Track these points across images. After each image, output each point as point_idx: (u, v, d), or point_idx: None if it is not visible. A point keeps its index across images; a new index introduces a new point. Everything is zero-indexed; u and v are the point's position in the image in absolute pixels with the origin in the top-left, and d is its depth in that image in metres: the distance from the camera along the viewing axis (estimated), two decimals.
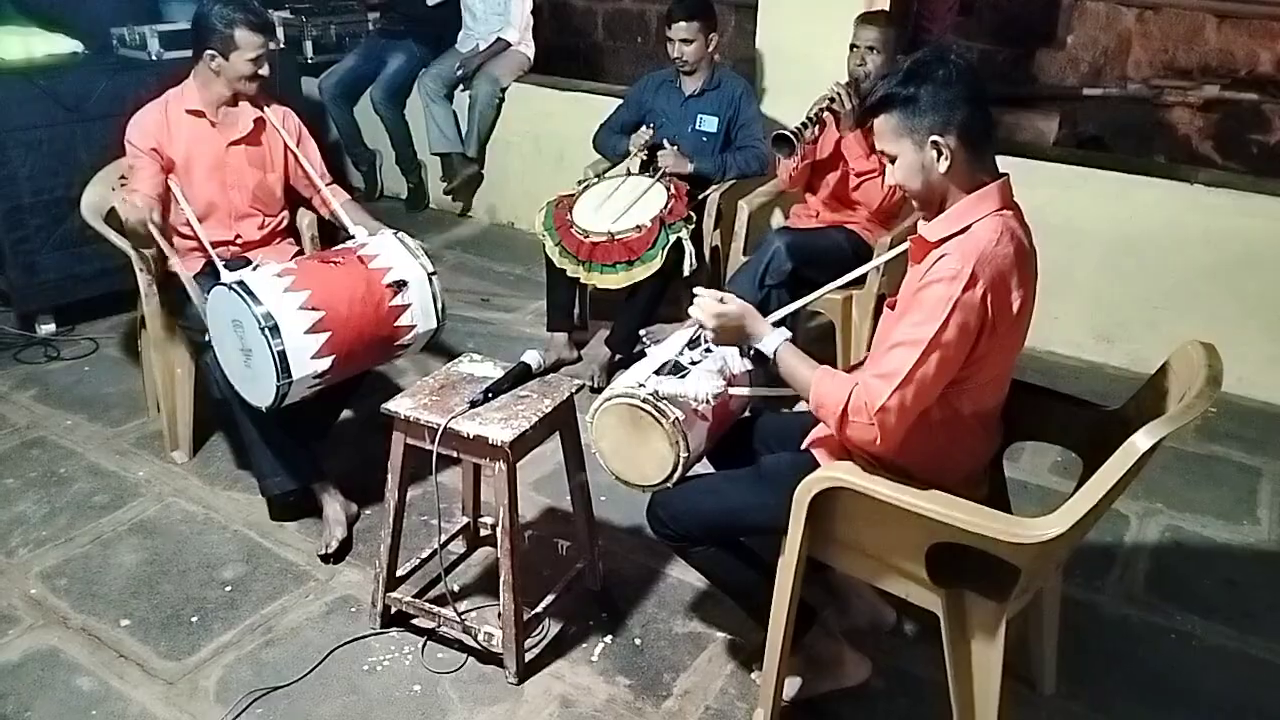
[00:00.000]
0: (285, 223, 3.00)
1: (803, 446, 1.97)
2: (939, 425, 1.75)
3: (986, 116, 1.69)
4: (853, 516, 1.81)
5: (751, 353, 1.91)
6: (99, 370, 3.56)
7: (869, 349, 3.20)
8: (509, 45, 4.96)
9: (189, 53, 2.76)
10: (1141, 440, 1.55)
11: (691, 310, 1.88)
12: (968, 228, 1.68)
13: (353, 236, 2.70)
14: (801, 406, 2.31)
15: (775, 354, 1.82)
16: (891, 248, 3.06)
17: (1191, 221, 3.48)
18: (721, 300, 1.85)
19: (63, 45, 3.89)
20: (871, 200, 3.24)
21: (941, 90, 1.65)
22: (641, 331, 3.56)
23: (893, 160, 1.74)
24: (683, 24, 3.60)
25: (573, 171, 4.04)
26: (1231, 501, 2.92)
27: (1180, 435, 1.57)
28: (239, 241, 2.86)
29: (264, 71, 2.74)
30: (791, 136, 3.05)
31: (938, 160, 1.68)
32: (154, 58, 3.85)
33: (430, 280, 2.54)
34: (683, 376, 1.99)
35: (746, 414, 2.22)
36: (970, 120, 1.66)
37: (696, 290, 1.88)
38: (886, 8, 3.79)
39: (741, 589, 2.11)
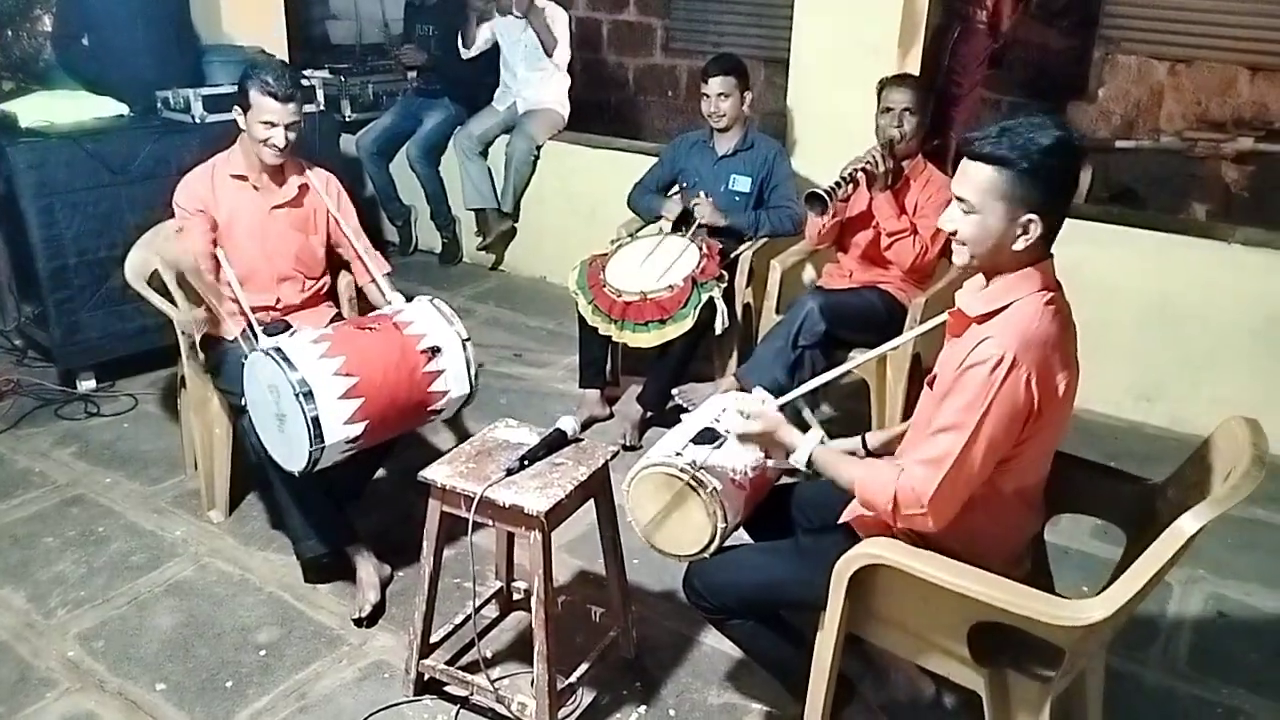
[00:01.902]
0: (326, 287, 3.04)
1: (842, 520, 1.96)
2: (980, 503, 1.73)
3: (1067, 208, 1.68)
4: (893, 593, 1.79)
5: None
6: (138, 427, 3.61)
7: (903, 409, 3.22)
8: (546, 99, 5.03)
9: (231, 115, 2.82)
10: (1188, 524, 1.53)
11: (722, 421, 1.89)
12: (1007, 306, 1.68)
13: (389, 303, 2.73)
14: None
15: (811, 461, 1.81)
16: (926, 307, 3.09)
17: (1230, 281, 3.45)
18: (747, 415, 1.84)
19: (109, 108, 3.99)
20: (904, 260, 3.24)
21: (1060, 175, 1.62)
22: (674, 390, 3.57)
23: (966, 209, 1.67)
24: (718, 79, 3.64)
25: (604, 226, 4.08)
26: (1277, 568, 2.85)
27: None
28: (280, 305, 2.90)
29: (276, 139, 2.73)
30: (824, 195, 3.07)
31: (1020, 236, 1.65)
32: (197, 120, 3.94)
33: (464, 346, 2.56)
34: (720, 445, 1.99)
35: (783, 481, 2.21)
36: (1064, 212, 1.66)
37: (725, 405, 1.89)
38: (917, 71, 3.81)
39: (778, 662, 2.09)
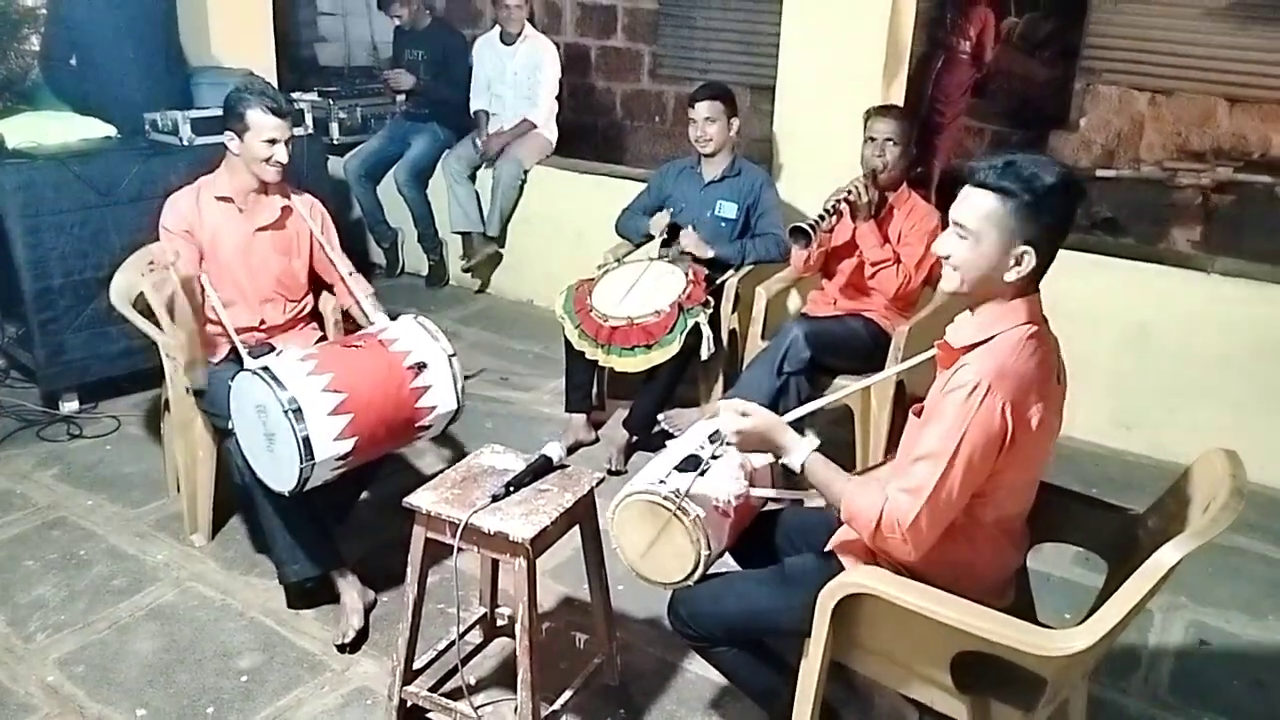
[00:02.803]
0: (309, 308, 3.04)
1: (827, 548, 1.97)
2: (961, 533, 1.75)
3: (1058, 248, 1.70)
4: (877, 622, 1.79)
5: (780, 464, 1.90)
6: (120, 449, 3.59)
7: (888, 437, 3.24)
8: (534, 127, 5.07)
9: (220, 138, 2.82)
10: (1168, 555, 1.55)
11: (715, 422, 1.89)
12: (992, 337, 1.70)
13: (373, 324, 2.74)
14: (821, 502, 2.32)
15: (804, 466, 1.81)
16: (910, 335, 3.12)
17: (1209, 310, 3.49)
18: (744, 413, 1.84)
19: (96, 130, 4.00)
20: (888, 289, 3.27)
21: (1059, 213, 1.65)
22: (659, 415, 3.58)
23: (962, 235, 1.68)
24: (705, 104, 3.68)
25: (590, 251, 4.10)
26: (1257, 596, 2.88)
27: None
28: (264, 326, 2.90)
29: (279, 156, 2.76)
30: (808, 230, 3.09)
31: (1012, 267, 1.67)
32: (185, 143, 3.94)
33: (450, 362, 2.57)
34: (704, 473, 2.00)
35: (768, 508, 2.22)
36: (1057, 248, 1.68)
37: (720, 402, 1.89)
38: (901, 101, 3.86)
39: (763, 690, 2.09)
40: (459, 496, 2.15)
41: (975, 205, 1.68)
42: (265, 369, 2.32)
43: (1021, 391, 1.66)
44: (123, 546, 2.99)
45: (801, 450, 1.81)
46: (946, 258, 1.73)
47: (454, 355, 2.58)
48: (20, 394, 3.88)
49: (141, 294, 2.96)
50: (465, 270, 5.34)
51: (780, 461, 1.86)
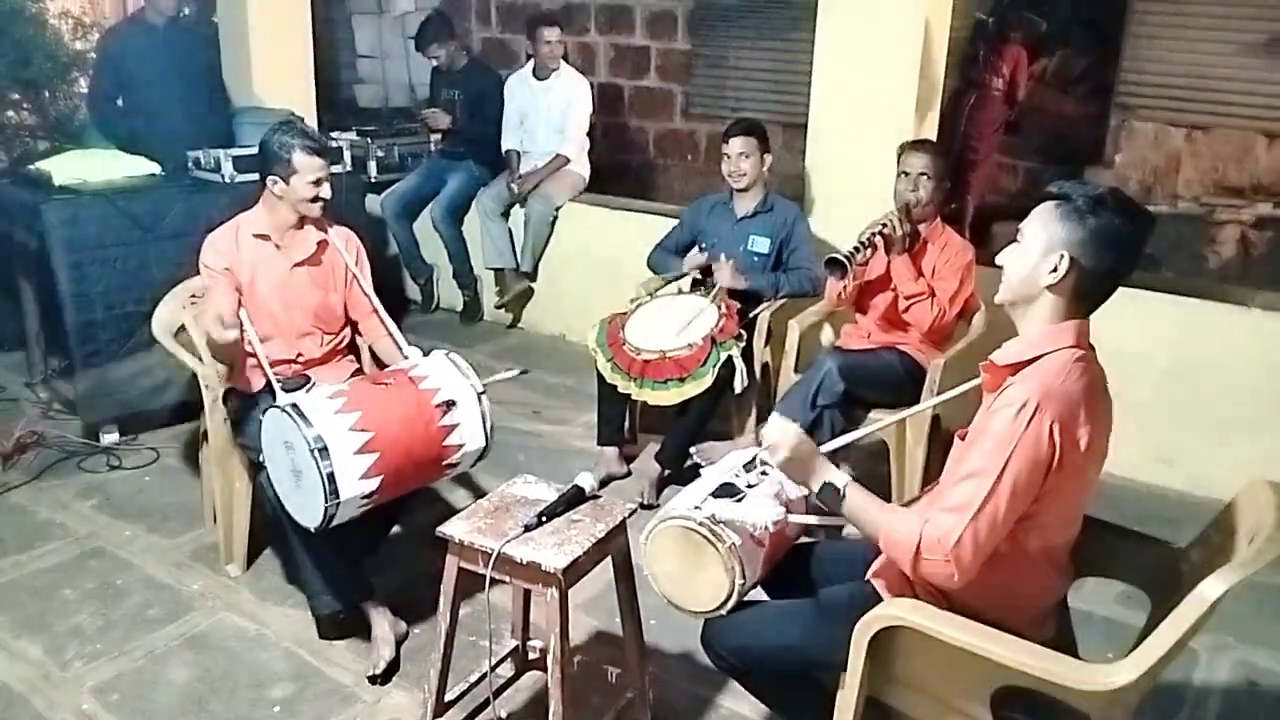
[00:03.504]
0: (346, 341, 3.07)
1: (866, 577, 1.94)
2: (1005, 562, 1.72)
3: (1114, 280, 1.69)
4: (915, 655, 1.76)
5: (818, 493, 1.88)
6: (159, 480, 3.63)
7: (924, 470, 3.21)
8: (567, 161, 5.13)
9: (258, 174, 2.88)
10: (1212, 588, 1.51)
11: (764, 432, 1.87)
12: (1039, 358, 1.69)
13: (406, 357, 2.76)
14: (853, 532, 2.29)
15: (844, 491, 1.79)
16: (945, 369, 3.10)
17: (1250, 345, 3.44)
18: (799, 436, 1.82)
19: (141, 167, 4.09)
20: (922, 322, 3.25)
21: (1106, 226, 1.65)
22: (692, 448, 3.57)
23: (1018, 240, 1.73)
24: (739, 140, 3.70)
25: (623, 286, 4.11)
26: None
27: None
28: (301, 359, 2.93)
29: (324, 193, 2.83)
30: (844, 260, 3.09)
31: (1050, 272, 1.67)
32: (227, 180, 4.02)
33: (479, 400, 2.57)
34: (739, 500, 1.98)
35: (802, 539, 2.20)
36: (1103, 267, 1.66)
37: (774, 417, 1.88)
38: (934, 135, 3.86)
39: (799, 717, 2.06)
40: (492, 526, 2.15)
41: (1034, 213, 1.72)
42: (294, 405, 2.34)
43: (1070, 413, 1.63)
44: (159, 576, 3.02)
45: (840, 478, 1.80)
46: (1002, 268, 1.76)
47: (483, 393, 2.59)
48: (61, 425, 3.94)
49: (183, 326, 3.01)
50: (498, 306, 5.38)
51: (818, 491, 1.84)
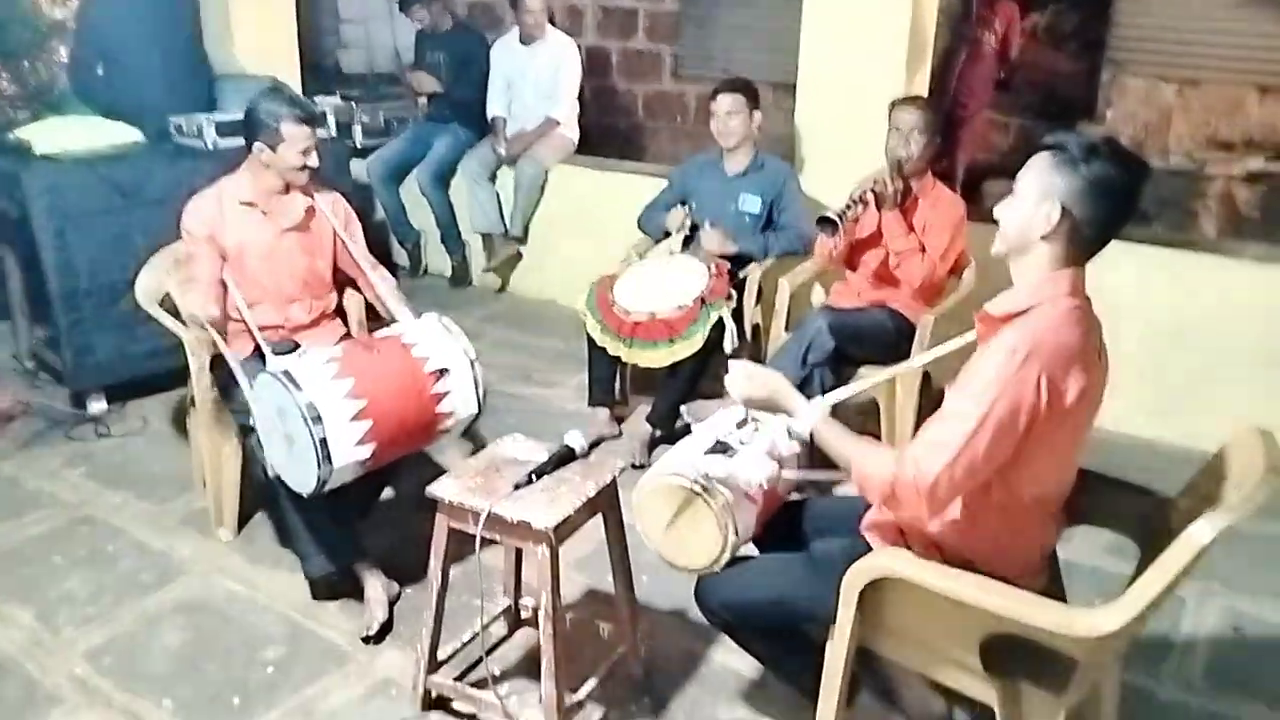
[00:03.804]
0: (333, 305, 3.05)
1: (859, 530, 1.94)
2: (999, 511, 1.72)
3: (1109, 229, 1.67)
4: (904, 605, 1.77)
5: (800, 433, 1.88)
6: (148, 448, 3.62)
7: (915, 428, 3.21)
8: (557, 125, 5.08)
9: (243, 141, 2.84)
10: (1202, 532, 1.51)
11: (725, 380, 1.87)
12: (1033, 308, 1.68)
13: (397, 320, 2.74)
14: (851, 489, 2.29)
15: (814, 430, 1.78)
16: (935, 325, 3.09)
17: (1242, 297, 3.44)
18: (750, 375, 1.83)
19: (122, 134, 4.03)
20: (913, 278, 3.24)
21: (1100, 176, 1.63)
22: (682, 408, 3.56)
23: (1013, 194, 1.72)
24: (727, 97, 3.67)
25: (613, 249, 4.09)
26: None
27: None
28: (288, 325, 2.91)
29: (313, 162, 2.81)
30: (836, 219, 3.07)
31: (1044, 221, 1.66)
32: (210, 146, 3.98)
33: (472, 366, 2.57)
34: (732, 457, 1.98)
35: (794, 497, 2.20)
36: (1098, 216, 1.65)
37: (730, 363, 1.88)
38: (925, 92, 3.83)
39: (791, 670, 2.07)
40: (482, 486, 2.15)
41: (1030, 163, 1.70)
42: (285, 372, 2.33)
43: (1061, 364, 1.62)
44: (150, 542, 3.01)
45: (810, 413, 1.79)
46: (998, 224, 1.75)
47: (476, 359, 2.58)
48: (49, 395, 3.92)
49: (168, 293, 2.99)
50: (486, 271, 5.35)
51: (790, 426, 1.84)
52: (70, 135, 3.91)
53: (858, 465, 1.71)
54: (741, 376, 1.84)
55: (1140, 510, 1.94)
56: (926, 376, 3.30)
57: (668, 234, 3.81)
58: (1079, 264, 1.71)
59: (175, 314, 2.92)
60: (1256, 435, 1.72)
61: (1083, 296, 1.72)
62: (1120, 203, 1.66)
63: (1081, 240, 1.68)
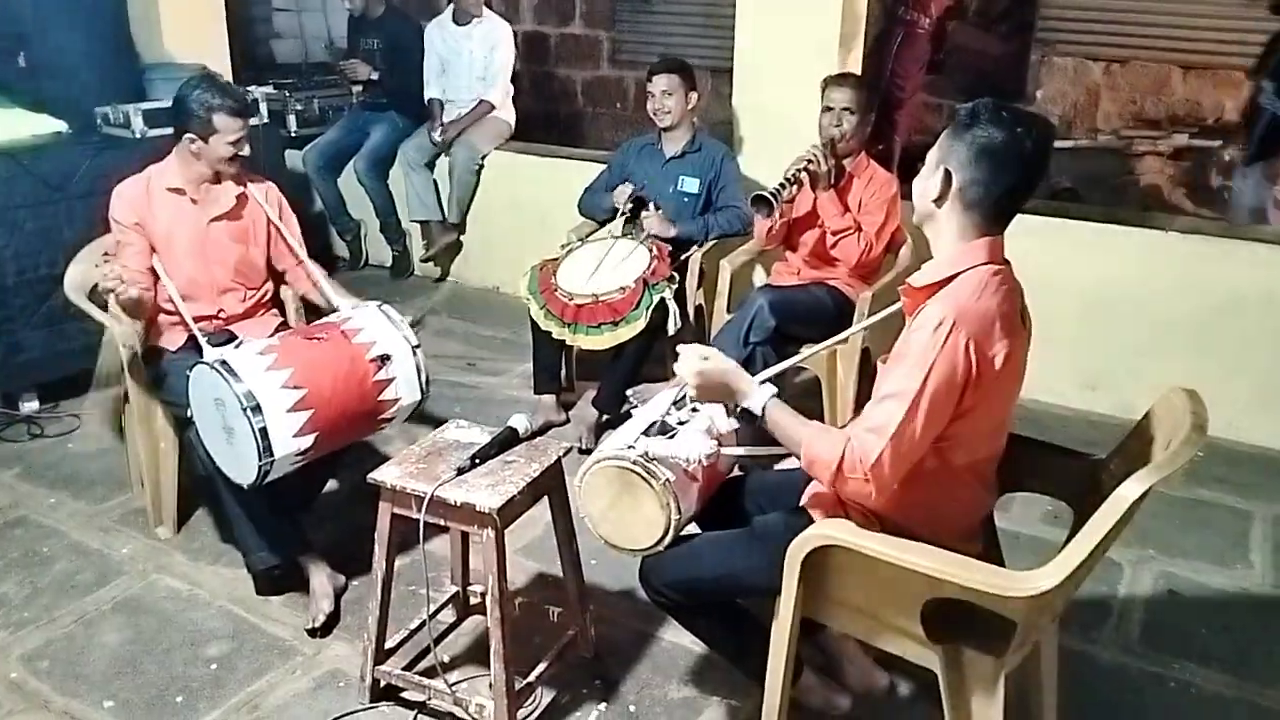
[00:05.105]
0: (269, 295, 3.00)
1: (800, 504, 1.96)
2: (932, 478, 1.75)
3: (998, 190, 1.68)
4: (847, 574, 1.79)
5: (739, 410, 1.90)
6: (82, 447, 3.53)
7: (855, 403, 3.25)
8: (491, 108, 5.04)
9: (172, 130, 2.78)
10: (1130, 489, 1.55)
11: (675, 367, 1.87)
12: (953, 278, 1.70)
13: (336, 309, 2.71)
14: (790, 464, 2.31)
15: (764, 411, 1.80)
16: (873, 301, 3.13)
17: (1168, 269, 3.53)
18: (705, 358, 1.83)
19: (46, 125, 3.91)
20: (850, 257, 3.27)
21: (984, 139, 1.66)
22: (628, 391, 3.57)
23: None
24: (662, 77, 3.68)
25: (555, 236, 4.07)
26: (1224, 546, 2.91)
27: (1170, 480, 1.57)
28: (222, 315, 2.86)
29: (244, 152, 2.76)
30: (770, 197, 3.09)
31: (935, 186, 1.71)
32: (138, 135, 3.89)
33: (414, 353, 2.54)
34: (671, 437, 1.98)
35: (734, 473, 2.21)
36: (982, 178, 1.67)
37: (680, 348, 1.88)
38: (859, 70, 3.87)
39: (738, 652, 2.09)
40: (424, 470, 2.13)
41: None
42: (223, 362, 2.29)
43: (985, 329, 1.65)
44: (86, 542, 2.94)
45: (760, 395, 1.80)
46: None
47: (418, 346, 2.56)
48: None
49: (95, 285, 2.91)
50: (424, 259, 5.29)
51: (740, 408, 1.85)
52: None
53: (806, 448, 1.73)
54: (692, 360, 1.83)
55: (1073, 473, 1.99)
56: (865, 353, 3.34)
57: (611, 215, 3.80)
58: (990, 233, 1.73)
59: (104, 307, 2.85)
60: (1183, 395, 1.77)
61: (1002, 261, 1.75)
62: (1002, 164, 1.67)
63: (973, 204, 1.70)
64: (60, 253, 3.27)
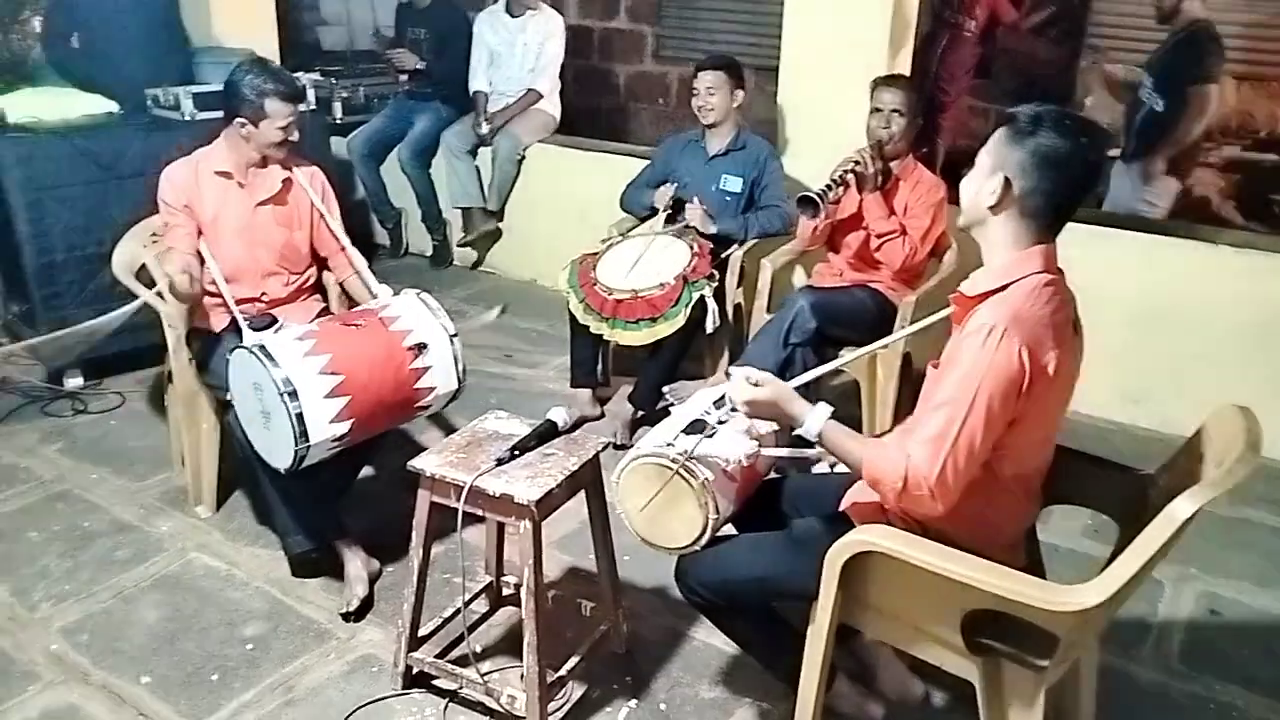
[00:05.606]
0: (312, 280, 3.02)
1: (841, 508, 1.95)
2: (979, 489, 1.72)
3: (1058, 199, 1.67)
4: (887, 582, 1.78)
5: (792, 433, 1.87)
6: (125, 424, 3.58)
7: (895, 409, 3.22)
8: (539, 98, 5.05)
9: (221, 113, 2.81)
10: (1182, 507, 1.52)
11: (726, 389, 1.86)
12: (1006, 286, 1.68)
13: (375, 296, 2.72)
14: (823, 467, 2.30)
15: (820, 435, 1.76)
16: (916, 307, 3.10)
17: (1217, 283, 3.47)
18: (756, 383, 1.80)
19: (99, 106, 3.97)
20: (894, 260, 3.24)
21: (1044, 145, 1.64)
22: (665, 388, 3.57)
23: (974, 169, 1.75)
24: (708, 74, 3.66)
25: (595, 229, 4.08)
26: (1268, 567, 2.86)
27: (1215, 499, 1.54)
28: (265, 299, 2.88)
29: (293, 137, 2.78)
30: (816, 198, 3.07)
31: (992, 193, 1.68)
32: (187, 118, 3.93)
33: (451, 342, 2.55)
34: (711, 436, 1.97)
35: (772, 475, 2.20)
36: (1042, 186, 1.65)
37: (730, 369, 1.87)
38: (907, 72, 3.83)
39: (771, 656, 2.08)
40: (464, 460, 2.14)
41: (990, 138, 1.72)
42: (261, 347, 2.30)
43: (1038, 336, 1.63)
44: (127, 519, 2.98)
45: (816, 418, 1.77)
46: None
47: (455, 335, 2.56)
48: (25, 370, 3.87)
49: (144, 265, 2.95)
50: (461, 244, 5.31)
51: (795, 433, 1.83)
52: (44, 106, 3.85)
53: (868, 469, 1.70)
54: (743, 387, 1.81)
55: (1120, 488, 1.96)
56: (907, 358, 3.31)
57: (652, 212, 3.80)
58: (1044, 240, 1.71)
59: (152, 286, 2.88)
60: (1237, 412, 1.74)
61: (1055, 270, 1.73)
62: (1065, 173, 1.65)
63: (1032, 212, 1.68)
64: (109, 231, 3.31)
